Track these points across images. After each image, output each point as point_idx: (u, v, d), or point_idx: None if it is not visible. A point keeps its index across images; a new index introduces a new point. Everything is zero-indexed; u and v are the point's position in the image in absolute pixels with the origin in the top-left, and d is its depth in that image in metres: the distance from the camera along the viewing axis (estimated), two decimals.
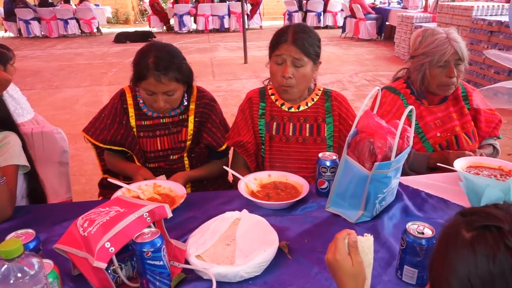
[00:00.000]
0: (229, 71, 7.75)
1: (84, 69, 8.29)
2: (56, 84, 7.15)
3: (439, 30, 1.85)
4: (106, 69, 8.22)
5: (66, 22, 12.62)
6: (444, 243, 0.65)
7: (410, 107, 1.27)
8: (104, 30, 13.92)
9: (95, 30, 13.08)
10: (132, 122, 1.80)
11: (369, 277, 0.88)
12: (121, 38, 11.58)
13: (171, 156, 1.82)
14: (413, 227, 1.09)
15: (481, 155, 1.86)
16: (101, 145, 1.82)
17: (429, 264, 0.69)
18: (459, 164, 1.66)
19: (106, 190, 1.91)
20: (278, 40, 1.67)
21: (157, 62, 1.61)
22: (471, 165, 1.70)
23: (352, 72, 7.50)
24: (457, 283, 0.59)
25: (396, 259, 1.16)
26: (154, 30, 13.12)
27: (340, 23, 12.67)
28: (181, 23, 12.91)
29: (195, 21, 13.07)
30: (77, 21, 12.75)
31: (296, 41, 1.64)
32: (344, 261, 0.87)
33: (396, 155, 1.30)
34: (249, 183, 1.60)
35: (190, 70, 1.76)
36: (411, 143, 1.38)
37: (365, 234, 0.89)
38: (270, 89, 1.85)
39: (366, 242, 0.88)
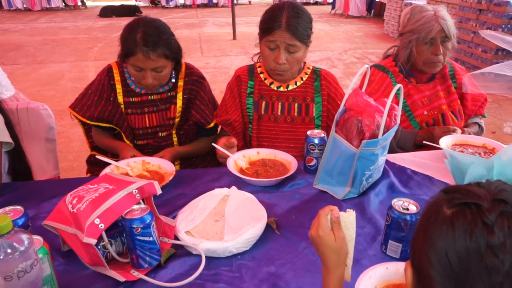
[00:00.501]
0: (218, 48, 7.66)
1: (69, 43, 8.10)
2: (40, 59, 6.98)
3: (427, 8, 1.85)
4: (92, 44, 8.05)
5: None
6: (425, 219, 0.67)
7: (398, 85, 1.27)
8: (89, 3, 13.55)
9: (79, 3, 12.72)
10: (120, 98, 1.78)
11: (352, 251, 0.91)
12: (106, 12, 11.30)
13: (160, 133, 1.82)
14: (398, 203, 1.12)
15: (469, 134, 1.89)
16: (89, 121, 1.80)
17: (411, 239, 0.72)
18: (445, 142, 1.69)
19: (94, 167, 1.90)
20: (271, 25, 1.62)
21: (146, 37, 1.59)
22: (456, 143, 1.73)
23: (341, 50, 7.47)
24: (436, 258, 0.62)
25: (381, 234, 1.19)
26: (140, 4, 12.82)
27: None
28: None
29: None
30: None
31: (290, 26, 1.60)
32: (327, 237, 0.89)
33: (384, 133, 1.31)
34: (238, 160, 1.60)
35: (179, 46, 1.73)
36: (398, 121, 1.40)
37: (347, 209, 0.91)
38: (259, 67, 1.83)
39: (349, 217, 0.90)
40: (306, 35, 1.66)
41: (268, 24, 1.63)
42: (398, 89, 1.72)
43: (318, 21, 10.24)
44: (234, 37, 8.27)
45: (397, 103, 1.90)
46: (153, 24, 1.65)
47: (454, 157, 1.28)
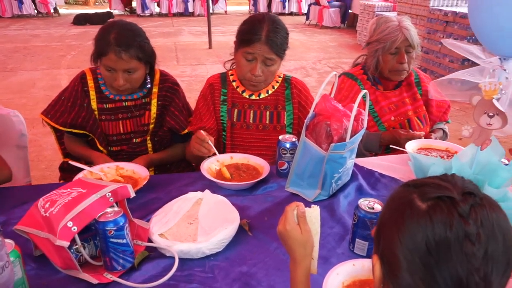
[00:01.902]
0: (194, 56, 7.67)
1: (41, 51, 7.96)
2: (10, 67, 6.83)
3: (392, 18, 1.94)
4: (65, 51, 7.93)
5: (20, 1, 11.99)
6: (398, 213, 0.70)
7: (364, 91, 1.34)
8: (62, 11, 13.35)
9: (52, 11, 12.51)
10: (94, 105, 1.78)
11: (317, 245, 0.95)
12: (80, 20, 11.15)
13: (134, 139, 1.83)
14: (364, 203, 1.17)
15: (435, 138, 1.98)
16: (61, 128, 1.80)
17: (377, 235, 0.75)
18: (411, 146, 1.77)
19: (67, 173, 1.89)
20: (251, 37, 1.65)
21: (119, 38, 1.60)
22: (422, 147, 1.81)
23: (315, 59, 7.61)
24: (413, 249, 0.65)
25: (349, 233, 1.24)
26: (115, 12, 12.72)
27: (304, 10, 12.75)
28: (144, 6, 12.57)
29: (158, 4, 12.77)
30: (33, 0, 12.14)
31: (270, 41, 1.64)
32: (293, 230, 0.93)
33: (351, 136, 1.37)
34: (211, 165, 1.63)
35: (153, 51, 1.76)
36: (365, 125, 1.46)
37: (312, 205, 0.96)
38: (232, 75, 1.87)
39: (313, 212, 0.95)
40: (283, 50, 1.72)
41: (248, 36, 1.66)
42: (364, 95, 1.81)
43: (293, 31, 10.40)
44: (210, 46, 8.31)
45: (364, 109, 1.98)
46: (127, 26, 1.67)
47: (417, 159, 1.35)
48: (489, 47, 1.20)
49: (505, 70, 1.14)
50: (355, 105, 1.30)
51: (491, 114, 1.14)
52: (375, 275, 0.73)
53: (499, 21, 1.14)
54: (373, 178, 1.62)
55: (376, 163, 1.72)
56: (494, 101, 1.10)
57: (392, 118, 2.03)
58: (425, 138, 1.93)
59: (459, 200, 0.65)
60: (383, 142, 1.95)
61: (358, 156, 1.83)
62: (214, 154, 1.62)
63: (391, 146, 1.74)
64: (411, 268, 0.65)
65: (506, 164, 1.25)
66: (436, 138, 1.99)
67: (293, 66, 7.08)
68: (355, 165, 1.66)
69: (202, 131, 1.57)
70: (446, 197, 0.66)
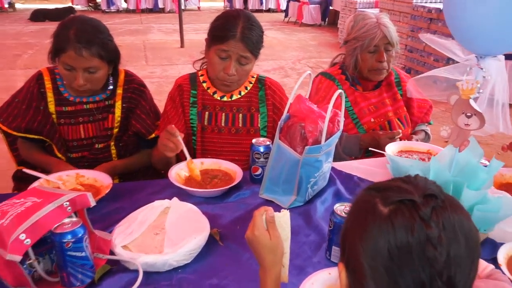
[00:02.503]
0: (164, 56, 7.65)
1: None
2: None
3: (370, 15, 2.00)
4: (21, 50, 7.77)
5: None
6: (361, 218, 0.73)
7: (338, 91, 1.37)
8: (18, 5, 13.08)
9: (6, 6, 12.25)
10: (51, 108, 1.76)
11: (288, 251, 0.97)
12: (38, 16, 10.95)
13: (96, 145, 1.81)
14: (340, 208, 1.20)
15: (416, 140, 2.04)
16: (15, 133, 1.77)
17: (342, 241, 0.78)
18: (391, 148, 1.82)
19: (22, 183, 1.85)
20: (225, 33, 1.66)
21: (79, 34, 1.59)
22: (402, 149, 1.87)
23: (295, 59, 7.70)
24: (375, 255, 0.68)
25: (326, 240, 1.27)
26: (77, 7, 12.54)
27: (283, 6, 12.88)
28: (110, 1, 12.45)
29: (125, 0, 12.68)
30: None
31: (245, 38, 1.66)
32: (262, 236, 0.95)
33: (326, 139, 1.40)
34: (180, 171, 1.64)
35: (117, 50, 1.75)
36: (341, 127, 1.49)
37: (281, 209, 0.98)
38: (202, 75, 1.88)
39: (283, 217, 0.97)
40: (258, 48, 1.74)
41: (222, 33, 1.68)
42: (345, 95, 1.84)
43: (271, 29, 10.50)
44: (182, 45, 8.30)
45: (344, 110, 2.01)
46: (89, 22, 1.67)
47: (395, 161, 1.40)
48: (465, 45, 1.26)
49: (481, 68, 1.19)
50: (330, 105, 1.33)
51: (469, 114, 1.19)
52: (341, 284, 0.75)
53: (474, 19, 1.20)
54: (351, 182, 1.66)
55: (355, 167, 1.76)
56: (471, 101, 1.14)
57: (372, 119, 2.08)
58: (406, 140, 1.99)
59: (420, 203, 0.68)
60: (363, 145, 1.99)
61: (336, 160, 1.88)
62: (183, 157, 1.62)
63: (370, 149, 1.78)
64: (375, 275, 0.68)
65: (485, 166, 1.30)
66: (417, 140, 2.05)
67: (271, 66, 7.14)
68: (333, 169, 1.69)
69: (173, 125, 1.57)
70: (407, 201, 0.69)
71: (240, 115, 1.84)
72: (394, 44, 1.99)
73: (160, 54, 7.77)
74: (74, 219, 1.10)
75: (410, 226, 0.66)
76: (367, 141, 1.98)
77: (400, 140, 1.94)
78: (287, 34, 10.16)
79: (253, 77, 1.90)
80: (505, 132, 1.36)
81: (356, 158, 2.02)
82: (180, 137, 1.55)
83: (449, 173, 1.25)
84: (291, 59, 7.69)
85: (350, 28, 2.05)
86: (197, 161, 1.70)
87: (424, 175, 1.21)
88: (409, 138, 2.07)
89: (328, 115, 1.34)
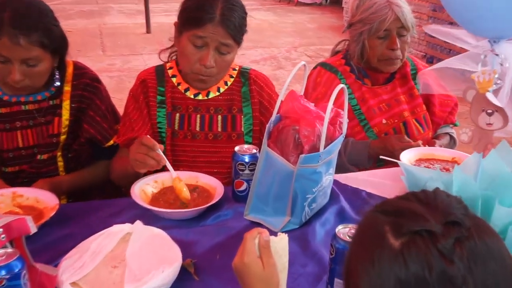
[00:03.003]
0: (126, 44, 7.66)
1: None
2: None
3: None
4: None
5: None
6: (368, 248, 0.74)
7: (340, 86, 1.39)
8: None
9: None
10: None
11: (284, 283, 0.98)
12: None
13: (39, 156, 1.81)
14: (344, 230, 1.21)
15: (440, 146, 2.06)
16: None
17: (345, 275, 0.79)
18: (407, 156, 1.84)
19: None
20: (201, 15, 1.67)
21: (15, 17, 1.59)
22: (421, 157, 1.89)
23: (289, 46, 7.76)
24: None
25: (326, 271, 1.28)
26: None
27: None
28: None
29: None
30: None
31: (226, 21, 1.67)
32: (253, 264, 0.95)
33: (326, 145, 1.41)
34: (146, 187, 1.64)
35: (64, 37, 1.75)
36: (344, 130, 1.51)
37: (279, 233, 0.98)
38: (171, 68, 1.88)
39: (280, 242, 0.98)
40: (241, 33, 1.76)
41: (197, 14, 1.68)
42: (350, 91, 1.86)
43: (260, 9, 10.58)
44: (148, 30, 8.30)
45: (349, 109, 2.03)
46: (28, 2, 1.67)
47: (410, 172, 1.42)
48: (471, 29, 1.29)
49: (497, 55, 1.22)
50: (330, 103, 1.34)
51: (489, 111, 1.21)
52: None
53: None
54: (359, 199, 1.67)
55: (363, 180, 1.78)
56: (489, 96, 1.17)
57: (384, 121, 2.11)
58: (427, 145, 2.01)
59: (440, 233, 0.69)
60: (373, 153, 2.01)
61: (341, 171, 1.89)
62: (165, 168, 1.63)
63: (381, 157, 1.80)
64: None
65: None
66: (441, 146, 2.07)
67: (260, 55, 7.19)
68: (336, 183, 1.71)
69: (148, 136, 1.58)
70: (424, 231, 0.70)
71: (219, 117, 1.85)
72: (409, 28, 2.02)
73: (121, 42, 7.77)
74: (10, 250, 1.09)
75: (426, 263, 0.67)
76: (377, 148, 2.00)
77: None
78: (280, 15, 10.23)
79: (234, 69, 1.91)
80: None
81: (364, 169, 2.03)
82: (160, 150, 1.57)
83: (476, 185, 1.27)
84: (285, 46, 7.75)
85: (355, 8, 2.08)
86: (167, 175, 1.68)
87: (447, 189, 1.24)
88: (430, 143, 2.10)
89: (327, 116, 1.36)
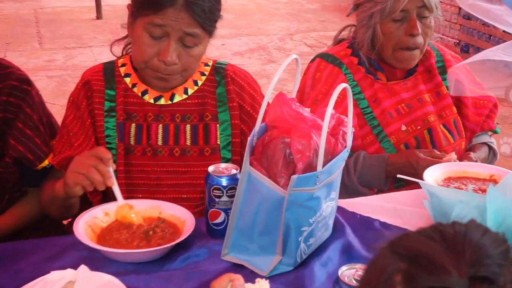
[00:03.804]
0: (70, 34, 7.66)
1: None
2: None
3: None
4: None
5: None
6: None
7: (342, 85, 1.40)
8: None
9: None
10: None
11: None
12: None
13: None
14: (349, 272, 1.22)
15: (475, 161, 2.08)
16: None
17: None
18: (432, 175, 1.85)
19: None
20: None
21: None
22: (451, 175, 1.91)
23: (284, 33, 7.80)
24: None
25: None
26: None
27: None
28: None
29: None
30: None
31: (192, 5, 1.68)
32: None
33: (326, 162, 1.42)
34: (94, 221, 1.64)
35: None
36: (349, 142, 1.53)
37: (257, 279, 0.99)
38: (123, 65, 1.90)
39: None
40: (213, 20, 1.77)
41: None
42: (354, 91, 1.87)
43: None
44: (99, 16, 8.33)
45: (357, 113, 2.05)
46: None
47: (435, 195, 1.43)
48: None
49: None
50: (329, 107, 1.35)
51: None
52: None
53: None
54: (370, 231, 1.68)
55: (377, 206, 1.79)
56: None
57: (403, 127, 2.13)
58: (458, 159, 2.03)
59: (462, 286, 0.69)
60: (392, 171, 2.02)
61: (349, 195, 1.90)
62: (109, 197, 1.63)
63: (399, 176, 1.82)
64: None
65: None
66: (476, 160, 2.09)
67: (246, 45, 7.21)
68: (341, 210, 1.72)
69: (104, 149, 1.60)
70: None
71: (188, 126, 1.86)
72: (433, 8, 2.04)
73: (64, 31, 7.78)
74: None
75: None
76: (397, 164, 2.02)
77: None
78: None
79: (207, 65, 1.93)
80: None
81: (380, 192, 2.05)
82: (111, 168, 1.58)
83: None
84: (278, 33, 7.79)
85: None
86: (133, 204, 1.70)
87: (480, 215, 1.25)
88: (463, 156, 2.11)
89: (326, 124, 1.37)
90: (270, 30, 7.95)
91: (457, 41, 6.75)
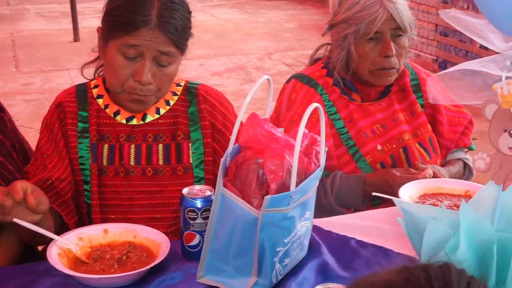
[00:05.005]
0: (47, 56, 7.65)
1: None
2: None
3: None
4: None
5: None
6: None
7: (313, 105, 1.42)
8: None
9: None
10: None
11: None
12: None
13: None
14: None
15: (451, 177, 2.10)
16: None
17: None
18: (407, 191, 1.87)
19: None
20: (132, 19, 1.69)
21: None
22: (427, 192, 1.92)
23: (262, 52, 7.83)
24: None
25: None
26: None
27: None
28: None
29: None
30: None
31: (165, 24, 1.70)
32: None
33: (300, 182, 1.43)
34: (68, 247, 1.63)
35: None
36: (322, 161, 1.54)
37: None
38: (95, 86, 1.91)
39: None
40: (185, 38, 1.79)
41: (127, 17, 1.70)
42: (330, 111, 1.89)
43: (223, 6, 10.71)
44: (76, 38, 8.32)
45: (333, 133, 2.06)
46: None
47: (409, 212, 1.44)
48: (498, 24, 1.34)
49: None
50: (301, 127, 1.36)
51: None
52: None
53: None
54: (347, 250, 1.69)
55: (353, 225, 1.81)
56: None
57: (379, 147, 2.15)
58: (434, 177, 2.04)
59: None
60: (369, 191, 2.02)
61: (327, 215, 1.91)
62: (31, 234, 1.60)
63: (374, 194, 1.83)
64: None
65: None
66: (449, 176, 2.11)
67: (224, 65, 7.24)
68: (317, 230, 1.73)
69: (22, 183, 1.54)
70: None
71: (160, 146, 1.87)
72: (407, 28, 2.08)
73: (40, 54, 7.75)
74: None
75: None
76: (375, 183, 2.05)
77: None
78: (250, 13, 10.35)
79: (179, 85, 1.94)
80: None
81: (357, 211, 2.06)
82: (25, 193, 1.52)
83: (491, 227, 1.30)
84: (257, 52, 7.82)
85: (337, 5, 2.14)
86: (96, 229, 1.69)
87: (453, 231, 1.27)
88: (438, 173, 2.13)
89: (298, 143, 1.38)
90: (249, 49, 7.99)
91: (435, 58, 6.81)
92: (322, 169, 1.56)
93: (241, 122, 1.51)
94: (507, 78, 1.31)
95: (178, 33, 1.74)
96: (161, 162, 1.87)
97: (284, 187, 1.44)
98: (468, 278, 0.74)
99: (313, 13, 10.21)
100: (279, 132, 1.50)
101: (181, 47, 1.78)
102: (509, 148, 1.28)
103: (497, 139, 1.30)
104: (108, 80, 1.84)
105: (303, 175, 1.47)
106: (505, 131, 1.28)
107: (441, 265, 0.75)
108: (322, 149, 1.56)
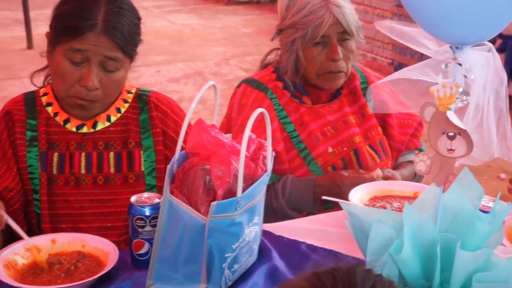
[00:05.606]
0: (0, 65, 7.53)
1: None
2: None
3: None
4: None
5: None
6: None
7: (258, 110, 1.43)
8: None
9: None
10: None
11: None
12: None
13: None
14: None
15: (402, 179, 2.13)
16: None
17: None
18: (357, 194, 1.89)
19: None
20: (78, 24, 1.70)
21: None
22: (377, 194, 1.95)
23: (220, 58, 7.85)
24: None
25: None
26: None
27: None
28: None
29: None
30: None
31: (112, 29, 1.71)
32: None
33: (246, 187, 1.44)
34: (14, 258, 1.61)
35: None
36: (269, 165, 1.55)
37: None
38: (45, 94, 1.89)
39: None
40: (133, 44, 1.80)
41: (73, 22, 1.71)
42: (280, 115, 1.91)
43: (180, 12, 10.69)
44: (30, 45, 8.24)
45: (284, 137, 2.08)
46: None
47: (355, 215, 1.46)
48: (431, 30, 1.37)
49: (460, 64, 1.29)
50: (246, 131, 1.38)
51: (451, 133, 1.27)
52: None
53: None
54: (297, 254, 1.70)
55: (304, 228, 1.82)
56: (450, 114, 1.24)
57: (330, 149, 2.17)
58: (384, 179, 2.07)
59: None
60: (319, 193, 2.04)
61: (279, 219, 1.92)
62: (16, 236, 1.60)
63: (324, 198, 1.84)
64: None
65: (487, 211, 1.39)
66: (402, 178, 2.14)
67: (181, 71, 7.23)
68: (267, 235, 1.75)
69: None
70: None
71: (111, 154, 1.87)
72: (353, 33, 2.11)
73: None
74: None
75: None
76: (325, 185, 2.07)
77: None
78: (207, 18, 10.37)
79: (130, 92, 1.94)
80: (505, 159, 1.46)
81: (309, 214, 2.07)
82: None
83: (434, 227, 1.33)
84: (214, 58, 7.83)
85: (285, 9, 2.16)
86: (43, 239, 1.68)
87: (396, 233, 1.29)
88: (390, 175, 2.16)
89: (244, 148, 1.39)
90: (206, 55, 8.00)
91: (391, 61, 6.91)
92: (270, 174, 1.57)
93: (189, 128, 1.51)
94: (443, 81, 1.34)
95: (125, 38, 1.74)
96: (112, 170, 1.86)
97: (231, 192, 1.44)
98: (374, 277, 0.79)
99: (270, 18, 10.22)
100: (225, 138, 1.52)
101: (129, 53, 1.78)
102: (448, 150, 1.30)
103: (436, 141, 1.33)
104: (54, 85, 1.83)
105: (250, 181, 1.48)
106: (443, 133, 1.30)
107: (348, 268, 0.79)
108: (269, 154, 1.57)
